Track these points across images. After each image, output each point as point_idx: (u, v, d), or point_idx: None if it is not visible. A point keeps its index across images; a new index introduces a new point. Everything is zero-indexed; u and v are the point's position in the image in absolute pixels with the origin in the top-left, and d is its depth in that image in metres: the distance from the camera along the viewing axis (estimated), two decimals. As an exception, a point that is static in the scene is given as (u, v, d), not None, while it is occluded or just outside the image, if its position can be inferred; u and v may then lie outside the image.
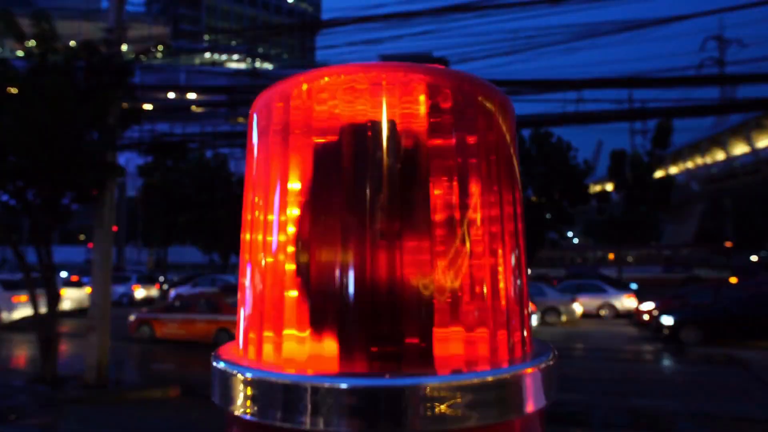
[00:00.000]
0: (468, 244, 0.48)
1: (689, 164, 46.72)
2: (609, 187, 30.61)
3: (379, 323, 0.46)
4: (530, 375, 0.47)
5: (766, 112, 29.22)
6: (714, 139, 42.71)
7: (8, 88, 8.16)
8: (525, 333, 0.52)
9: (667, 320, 13.99)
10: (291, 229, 0.49)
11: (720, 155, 42.63)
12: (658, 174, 28.59)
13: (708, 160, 44.31)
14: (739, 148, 40.40)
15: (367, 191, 0.47)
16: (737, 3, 9.37)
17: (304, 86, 0.50)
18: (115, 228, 9.82)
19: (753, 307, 13.31)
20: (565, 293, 18.83)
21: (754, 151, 38.38)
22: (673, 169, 45.74)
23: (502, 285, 0.50)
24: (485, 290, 0.48)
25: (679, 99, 12.60)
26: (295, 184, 0.49)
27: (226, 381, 0.49)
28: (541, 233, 24.53)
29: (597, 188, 33.93)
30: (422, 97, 0.48)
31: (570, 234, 43.16)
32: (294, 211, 0.49)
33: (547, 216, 24.35)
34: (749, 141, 38.69)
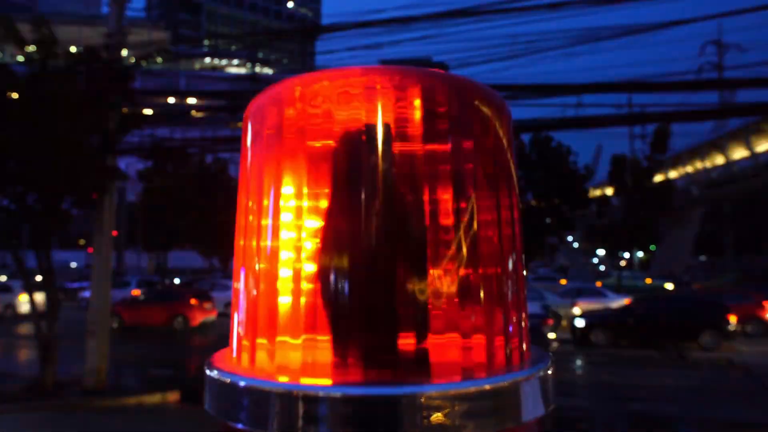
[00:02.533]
0: (464, 250, 0.47)
1: (689, 168, 46.72)
2: (609, 191, 30.59)
3: (375, 330, 0.45)
4: (528, 383, 0.46)
5: (766, 116, 29.23)
6: (713, 144, 42.70)
7: (9, 93, 8.17)
8: (522, 340, 0.51)
9: (579, 323, 14.62)
10: (285, 234, 0.49)
11: (720, 159, 42.64)
12: (658, 178, 28.58)
13: (708, 164, 44.32)
14: (739, 153, 40.42)
15: (362, 196, 0.47)
16: (736, 8, 9.39)
17: (298, 90, 0.50)
18: (115, 233, 9.81)
19: (654, 313, 14.18)
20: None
21: (754, 156, 38.38)
22: (673, 174, 45.71)
23: (498, 291, 0.49)
24: (482, 296, 0.48)
25: (679, 103, 12.66)
26: (288, 189, 0.49)
27: (219, 389, 0.48)
28: (541, 238, 24.51)
29: (597, 192, 33.92)
30: (417, 102, 0.48)
31: (570, 238, 43.05)
32: (288, 216, 0.49)
33: (547, 220, 24.34)
34: (749, 145, 38.71)
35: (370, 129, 0.47)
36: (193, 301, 16.51)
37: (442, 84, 0.49)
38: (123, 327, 16.04)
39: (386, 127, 0.47)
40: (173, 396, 8.62)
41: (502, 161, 0.52)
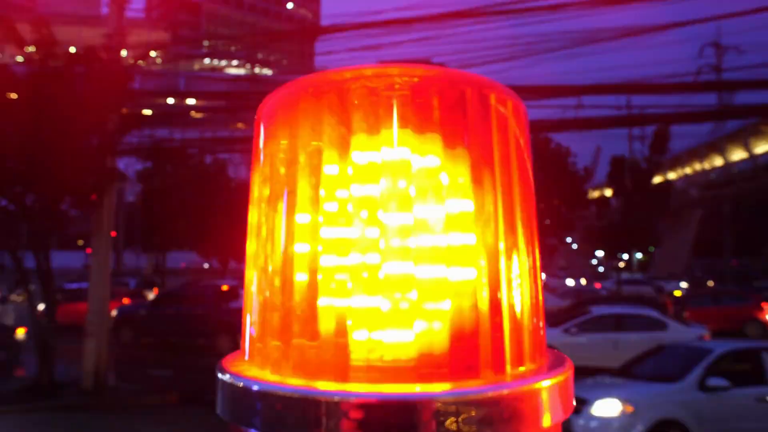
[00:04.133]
0: (483, 253, 0.46)
1: (688, 170, 46.78)
2: (608, 192, 30.60)
3: (392, 334, 0.45)
4: (547, 388, 0.45)
5: (764, 118, 29.30)
6: (712, 145, 42.75)
7: (8, 93, 8.15)
8: (541, 344, 0.50)
9: None
10: (299, 236, 0.48)
11: (718, 161, 42.68)
12: (657, 180, 28.60)
13: (706, 165, 44.37)
14: (737, 154, 40.47)
15: (378, 197, 0.46)
16: (735, 10, 9.41)
17: (311, 89, 0.49)
18: (113, 233, 9.80)
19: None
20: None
21: (752, 157, 38.45)
22: (672, 175, 45.74)
23: (517, 295, 0.48)
24: (501, 300, 0.47)
25: (678, 105, 12.66)
26: (303, 190, 0.48)
27: (231, 393, 0.47)
28: (540, 239, 24.51)
29: (596, 194, 33.95)
30: (435, 100, 0.47)
31: (569, 239, 43.06)
32: (302, 218, 0.48)
33: (546, 222, 24.35)
34: (747, 147, 38.76)
35: (386, 127, 0.47)
36: (125, 301, 16.66)
37: (460, 81, 0.48)
38: (56, 325, 16.00)
39: (402, 124, 0.47)
40: (172, 396, 8.61)
41: (519, 161, 0.51)
